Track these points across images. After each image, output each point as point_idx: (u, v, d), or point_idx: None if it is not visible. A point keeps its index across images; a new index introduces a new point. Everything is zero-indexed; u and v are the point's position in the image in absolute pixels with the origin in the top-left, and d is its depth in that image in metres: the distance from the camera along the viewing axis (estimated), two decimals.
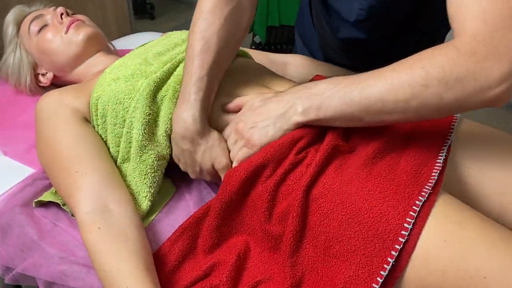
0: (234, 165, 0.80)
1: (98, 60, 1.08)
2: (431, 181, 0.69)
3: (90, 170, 0.82)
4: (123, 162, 0.88)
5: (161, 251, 0.78)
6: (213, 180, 0.86)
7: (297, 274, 0.69)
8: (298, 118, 0.74)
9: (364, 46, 1.03)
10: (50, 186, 0.91)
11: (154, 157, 0.85)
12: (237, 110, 0.85)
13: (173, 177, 0.93)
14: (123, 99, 0.86)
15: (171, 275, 0.75)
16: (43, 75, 1.13)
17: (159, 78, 0.88)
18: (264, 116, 0.77)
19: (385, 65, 0.68)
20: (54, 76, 1.12)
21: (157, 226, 0.84)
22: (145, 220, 0.85)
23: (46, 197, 0.87)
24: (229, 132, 0.83)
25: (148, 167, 0.85)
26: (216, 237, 0.78)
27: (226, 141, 0.83)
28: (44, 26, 1.08)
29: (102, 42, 1.11)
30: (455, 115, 0.83)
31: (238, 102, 0.85)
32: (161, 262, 0.76)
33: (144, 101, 0.84)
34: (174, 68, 0.92)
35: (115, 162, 0.89)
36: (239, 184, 0.74)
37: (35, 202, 0.88)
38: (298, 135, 0.75)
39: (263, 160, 0.74)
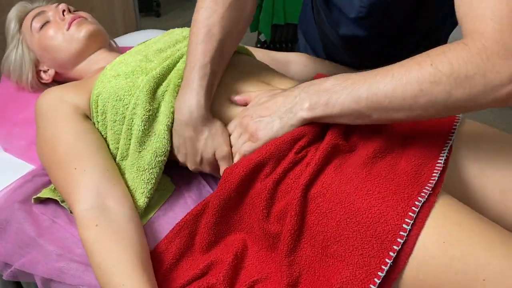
0: (236, 159, 0.80)
1: (99, 57, 1.08)
2: (431, 181, 0.68)
3: (89, 167, 0.82)
4: (122, 160, 0.88)
5: (158, 249, 0.78)
6: (212, 172, 0.86)
7: (294, 273, 0.69)
8: (305, 114, 0.74)
9: (364, 44, 1.02)
10: (49, 182, 0.91)
11: (153, 153, 0.84)
12: (243, 104, 0.85)
13: (172, 175, 0.93)
14: (123, 96, 0.86)
15: (168, 274, 0.75)
16: (44, 71, 1.13)
17: (159, 74, 0.88)
18: (271, 110, 0.77)
19: (386, 65, 0.67)
20: (56, 73, 1.12)
21: (156, 224, 0.84)
22: (144, 218, 0.84)
23: (45, 193, 0.87)
24: (234, 126, 0.83)
25: (146, 163, 0.84)
26: (214, 235, 0.77)
27: (229, 135, 0.83)
28: (46, 22, 1.08)
29: (103, 39, 1.11)
30: (457, 115, 0.82)
31: (245, 96, 0.85)
32: (158, 261, 0.76)
33: (144, 98, 0.84)
34: (174, 64, 0.91)
35: (114, 159, 0.89)
36: (238, 181, 0.74)
37: (34, 198, 0.87)
38: (298, 134, 0.75)
39: (262, 158, 0.74)
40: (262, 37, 3.00)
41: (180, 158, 0.86)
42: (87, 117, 0.91)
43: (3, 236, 0.84)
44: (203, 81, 0.81)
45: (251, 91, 0.87)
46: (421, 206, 0.64)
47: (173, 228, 0.79)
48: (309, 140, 0.75)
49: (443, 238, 0.62)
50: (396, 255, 0.62)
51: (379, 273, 0.62)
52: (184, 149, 0.84)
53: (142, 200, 0.84)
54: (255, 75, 0.92)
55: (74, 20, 1.06)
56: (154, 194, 0.87)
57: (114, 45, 1.24)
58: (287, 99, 0.76)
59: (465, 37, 0.63)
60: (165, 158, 0.85)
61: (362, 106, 0.68)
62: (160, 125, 0.85)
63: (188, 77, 0.82)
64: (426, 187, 0.66)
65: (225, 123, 0.85)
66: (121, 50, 1.21)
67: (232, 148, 0.82)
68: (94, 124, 0.91)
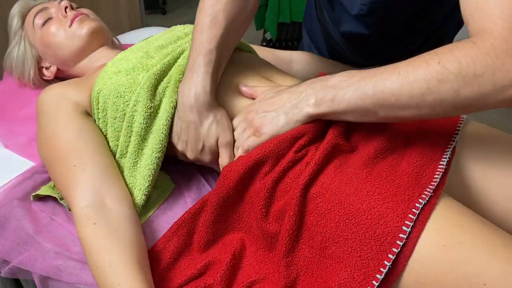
0: (239, 153, 0.79)
1: (101, 54, 1.07)
2: (433, 183, 0.67)
3: (89, 164, 0.81)
4: (121, 157, 0.87)
5: (156, 248, 0.77)
6: (211, 163, 0.84)
7: (292, 274, 0.68)
8: (310, 110, 0.73)
9: (365, 42, 1.01)
10: (48, 180, 0.91)
11: (151, 150, 0.84)
12: (249, 96, 0.85)
13: (172, 174, 0.92)
14: (124, 93, 0.86)
15: (165, 273, 0.74)
16: (47, 68, 1.13)
17: (160, 71, 0.87)
18: (276, 105, 0.76)
19: (388, 64, 0.66)
20: (58, 69, 1.12)
21: (155, 223, 0.83)
22: (142, 217, 0.84)
23: (44, 191, 0.87)
24: (238, 121, 0.82)
25: (144, 160, 0.84)
26: (212, 233, 0.77)
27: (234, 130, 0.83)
28: (49, 19, 1.08)
29: (105, 36, 1.11)
30: (461, 116, 0.80)
31: (252, 91, 0.85)
32: (156, 260, 0.75)
33: (145, 95, 0.84)
34: (175, 60, 0.91)
35: (114, 157, 0.88)
36: (237, 179, 0.73)
37: (32, 195, 0.87)
38: (299, 132, 0.74)
39: (262, 156, 0.73)
40: (268, 35, 3.00)
41: (180, 146, 0.85)
42: (88, 114, 0.91)
43: (1, 233, 0.84)
44: (208, 67, 0.80)
45: (257, 86, 0.86)
46: (422, 208, 0.63)
47: (171, 227, 0.78)
48: (309, 139, 0.75)
49: (444, 240, 0.61)
50: (395, 258, 0.61)
51: (378, 276, 0.61)
52: (186, 135, 0.83)
53: (139, 198, 0.83)
54: (257, 72, 0.92)
55: (76, 17, 1.06)
56: (153, 192, 0.86)
57: (117, 43, 1.24)
58: (293, 94, 0.75)
59: (473, 36, 0.62)
60: (162, 154, 0.84)
61: (368, 103, 0.67)
62: (160, 121, 0.84)
63: (193, 62, 0.81)
64: (427, 189, 0.65)
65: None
66: (124, 48, 1.21)
67: (236, 143, 0.81)
68: (95, 121, 0.90)
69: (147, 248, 0.77)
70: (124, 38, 1.43)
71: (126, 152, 0.86)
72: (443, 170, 0.69)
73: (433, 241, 0.61)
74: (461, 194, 0.74)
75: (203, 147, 0.82)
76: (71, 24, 1.05)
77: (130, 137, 0.86)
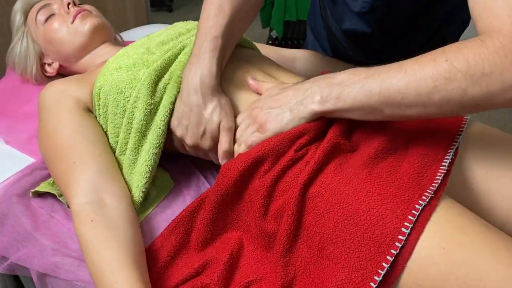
0: (242, 149, 0.78)
1: (103, 51, 1.07)
2: (433, 184, 0.65)
3: (88, 161, 0.81)
4: (121, 154, 0.87)
5: (154, 246, 0.77)
6: (211, 148, 0.83)
7: (289, 274, 0.67)
8: (315, 107, 0.72)
9: (367, 40, 1.01)
10: (48, 176, 0.91)
11: (150, 146, 0.83)
12: (255, 90, 0.85)
13: (171, 171, 0.91)
14: (124, 89, 0.85)
15: (162, 272, 0.74)
16: (49, 64, 1.13)
17: (160, 67, 0.87)
18: (281, 102, 0.76)
19: (390, 63, 0.66)
20: (60, 66, 1.12)
21: (153, 221, 0.83)
22: (141, 214, 0.83)
23: (43, 187, 0.87)
24: (242, 118, 0.81)
25: (142, 156, 0.83)
26: (210, 231, 0.76)
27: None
28: (51, 15, 1.08)
29: (108, 33, 1.11)
30: (464, 117, 0.79)
31: (258, 86, 0.84)
32: (153, 258, 0.75)
33: (145, 91, 0.83)
34: (176, 56, 0.91)
35: (114, 153, 0.88)
36: (237, 177, 0.73)
37: (32, 192, 0.87)
38: (300, 131, 0.73)
39: (262, 154, 0.72)
40: (274, 34, 2.99)
41: (179, 131, 0.83)
42: (90, 110, 0.90)
43: (0, 229, 0.84)
44: (214, 53, 0.80)
45: (264, 81, 0.85)
46: (422, 209, 0.62)
47: (169, 225, 0.78)
48: (310, 138, 0.74)
49: (444, 242, 0.60)
50: (393, 259, 0.60)
51: (376, 277, 0.60)
52: (187, 119, 0.81)
53: (137, 195, 0.83)
54: (259, 68, 0.92)
55: (79, 13, 1.06)
56: (152, 190, 0.86)
57: (119, 39, 1.23)
58: (298, 91, 0.75)
59: (481, 34, 0.61)
60: (159, 150, 0.84)
61: (374, 101, 0.66)
62: (158, 116, 0.83)
63: (199, 48, 0.81)
64: (428, 190, 0.64)
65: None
66: (126, 44, 1.20)
67: (239, 139, 0.80)
68: (96, 117, 0.90)
69: (145, 246, 0.76)
70: (129, 35, 1.43)
71: (126, 149, 0.86)
72: (444, 171, 0.68)
73: (433, 243, 0.60)
74: (463, 196, 0.73)
75: (204, 131, 0.81)
76: (73, 21, 1.05)
77: (129, 134, 0.85)
